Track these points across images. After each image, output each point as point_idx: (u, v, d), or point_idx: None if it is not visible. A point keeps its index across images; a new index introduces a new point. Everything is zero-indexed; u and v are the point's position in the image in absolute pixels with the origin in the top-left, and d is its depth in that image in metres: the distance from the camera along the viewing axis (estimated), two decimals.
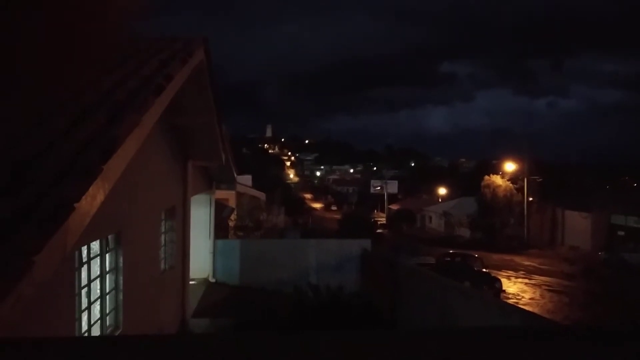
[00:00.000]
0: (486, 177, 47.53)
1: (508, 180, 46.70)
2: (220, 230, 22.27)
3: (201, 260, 17.21)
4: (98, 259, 6.20)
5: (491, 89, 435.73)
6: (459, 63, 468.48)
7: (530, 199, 44.85)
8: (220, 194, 24.01)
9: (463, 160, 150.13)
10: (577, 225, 41.48)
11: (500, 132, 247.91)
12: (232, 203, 30.33)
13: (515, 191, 45.29)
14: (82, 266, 5.55)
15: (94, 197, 3.18)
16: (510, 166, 48.99)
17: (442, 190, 74.27)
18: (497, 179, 46.79)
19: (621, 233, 39.14)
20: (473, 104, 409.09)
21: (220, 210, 23.36)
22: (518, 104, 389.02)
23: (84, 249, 5.57)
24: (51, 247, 2.56)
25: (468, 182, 63.83)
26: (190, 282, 13.75)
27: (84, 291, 5.62)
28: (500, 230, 44.67)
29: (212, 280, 18.28)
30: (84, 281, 5.64)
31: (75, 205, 2.84)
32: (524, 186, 44.45)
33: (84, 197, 2.94)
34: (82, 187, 2.99)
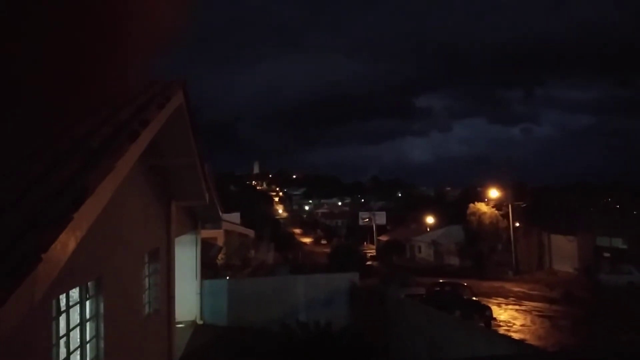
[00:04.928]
0: (471, 205, 47.76)
1: (493, 207, 46.96)
2: (209, 269, 22.01)
3: (188, 302, 16.94)
4: (78, 307, 6.11)
5: (466, 119, 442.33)
6: (433, 95, 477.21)
7: (517, 224, 45.06)
8: (208, 233, 23.87)
9: (448, 188, 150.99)
10: (564, 249, 41.72)
11: (480, 160, 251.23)
12: (220, 242, 30.13)
13: (500, 217, 45.49)
14: (60, 315, 5.46)
15: (64, 246, 3.18)
16: (494, 193, 49.30)
17: (429, 219, 74.44)
18: (482, 206, 47.02)
19: (607, 255, 39.41)
20: (451, 133, 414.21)
21: (207, 250, 23.16)
22: (494, 131, 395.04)
23: (62, 298, 5.50)
24: (16, 299, 2.54)
25: (454, 210, 64.04)
26: (177, 325, 13.51)
27: (62, 341, 5.51)
28: (488, 257, 44.69)
29: (199, 322, 17.97)
30: (63, 330, 5.54)
31: (42, 255, 2.84)
32: (509, 212, 44.71)
33: (52, 247, 2.95)
34: (50, 237, 3.00)
